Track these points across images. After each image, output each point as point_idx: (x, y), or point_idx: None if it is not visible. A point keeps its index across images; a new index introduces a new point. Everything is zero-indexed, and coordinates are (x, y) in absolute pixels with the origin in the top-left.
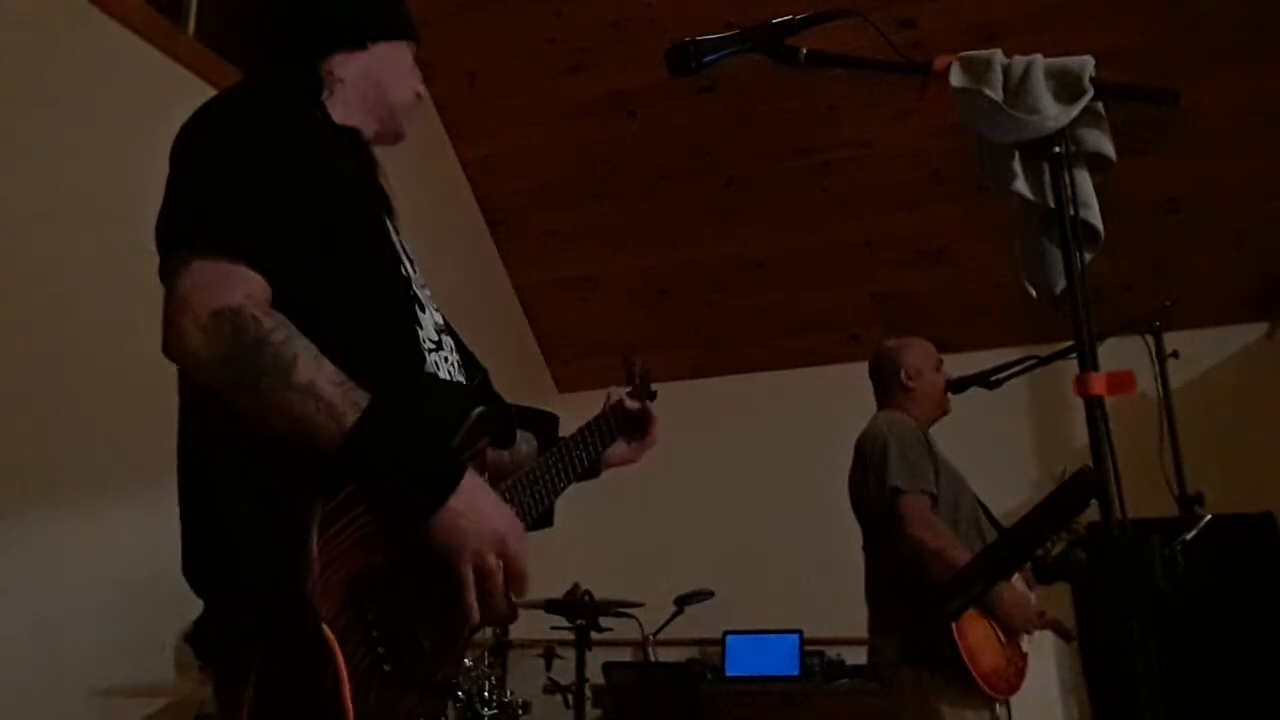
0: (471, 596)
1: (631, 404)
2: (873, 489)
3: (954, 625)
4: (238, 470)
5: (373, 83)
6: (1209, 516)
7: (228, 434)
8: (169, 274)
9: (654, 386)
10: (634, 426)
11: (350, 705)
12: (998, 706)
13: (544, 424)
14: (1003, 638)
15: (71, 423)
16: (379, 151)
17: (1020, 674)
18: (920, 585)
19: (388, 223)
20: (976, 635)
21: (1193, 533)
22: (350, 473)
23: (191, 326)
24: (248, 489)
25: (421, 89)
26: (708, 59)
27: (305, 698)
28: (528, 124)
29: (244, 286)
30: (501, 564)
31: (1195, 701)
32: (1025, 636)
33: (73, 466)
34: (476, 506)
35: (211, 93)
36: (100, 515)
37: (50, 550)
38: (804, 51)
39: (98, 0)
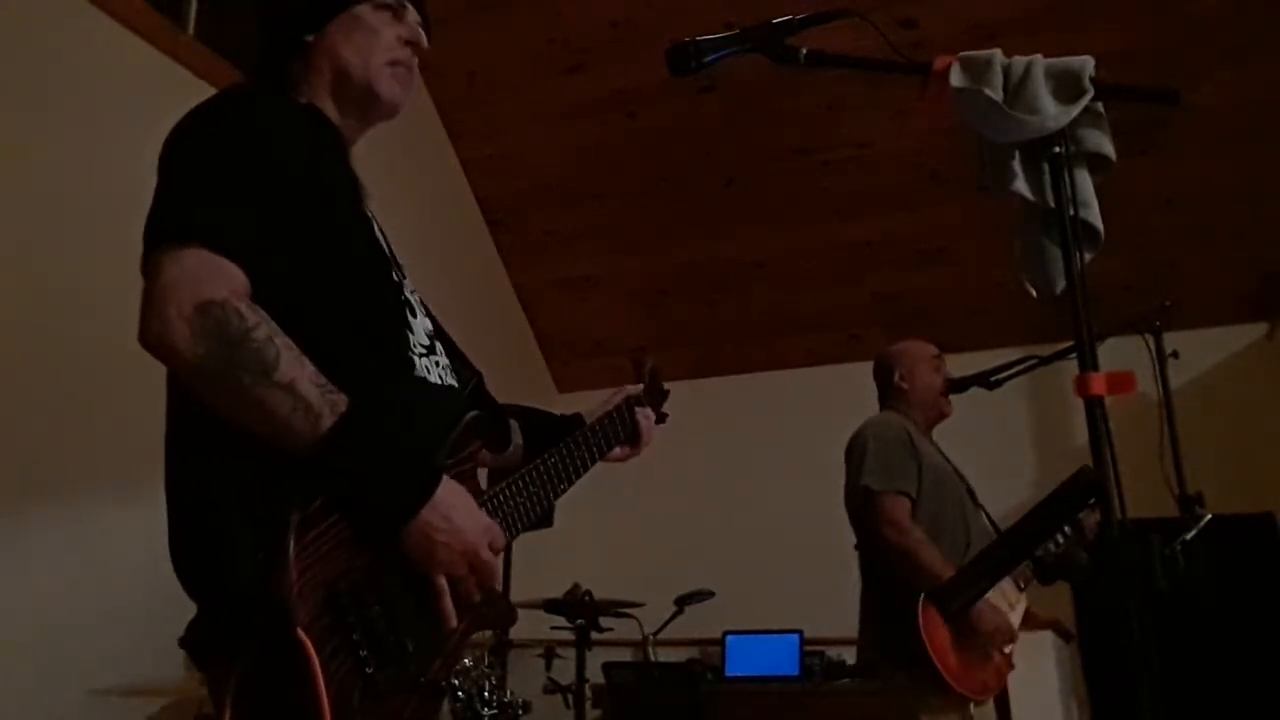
0: (448, 603)
1: (644, 417)
2: (851, 488)
3: (922, 627)
4: (221, 472)
5: (333, 73)
6: (1209, 516)
7: (212, 434)
8: (152, 263)
9: None
10: (633, 430)
11: (327, 709)
12: (972, 706)
13: (564, 427)
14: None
15: (72, 422)
16: (376, 142)
17: (1000, 675)
18: (894, 584)
19: (376, 228)
20: (946, 636)
21: (1193, 533)
22: (322, 478)
23: (175, 316)
24: (231, 491)
25: (389, 30)
26: (708, 59)
27: (284, 702)
28: (528, 124)
29: (229, 281)
30: (474, 570)
31: (1195, 701)
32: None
33: (74, 466)
34: (449, 517)
35: (212, 93)
36: (101, 515)
37: (50, 550)
38: (804, 51)
39: (97, 0)
